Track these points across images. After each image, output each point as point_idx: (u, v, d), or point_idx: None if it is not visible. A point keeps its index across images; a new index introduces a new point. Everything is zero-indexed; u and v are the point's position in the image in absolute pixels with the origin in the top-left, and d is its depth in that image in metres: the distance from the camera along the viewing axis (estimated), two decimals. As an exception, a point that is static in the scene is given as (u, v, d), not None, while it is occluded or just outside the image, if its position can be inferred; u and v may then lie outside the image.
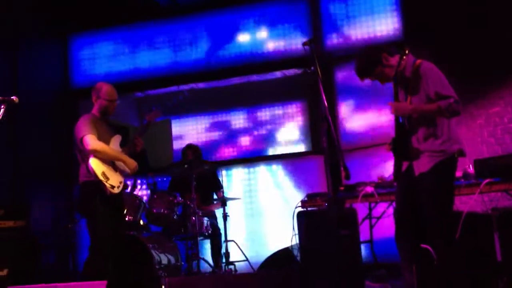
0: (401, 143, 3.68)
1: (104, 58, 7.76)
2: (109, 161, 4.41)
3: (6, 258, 5.32)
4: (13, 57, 6.85)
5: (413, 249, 3.70)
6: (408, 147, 3.65)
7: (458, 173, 4.65)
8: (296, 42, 6.93)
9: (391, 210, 4.96)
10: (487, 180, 4.40)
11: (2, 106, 3.50)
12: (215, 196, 6.37)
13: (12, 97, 3.54)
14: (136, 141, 4.65)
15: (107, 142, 4.47)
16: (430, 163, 3.57)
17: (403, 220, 3.74)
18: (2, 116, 3.47)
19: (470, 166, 4.64)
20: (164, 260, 5.21)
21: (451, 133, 3.61)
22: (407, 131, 3.68)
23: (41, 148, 6.78)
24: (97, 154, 4.30)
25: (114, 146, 4.54)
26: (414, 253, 3.70)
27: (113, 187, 4.33)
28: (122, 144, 4.62)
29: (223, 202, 6.01)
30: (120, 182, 4.43)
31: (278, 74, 7.16)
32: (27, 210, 5.83)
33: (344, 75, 6.79)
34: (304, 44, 3.83)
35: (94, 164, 4.28)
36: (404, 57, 3.66)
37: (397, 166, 3.73)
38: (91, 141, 4.28)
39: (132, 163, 4.54)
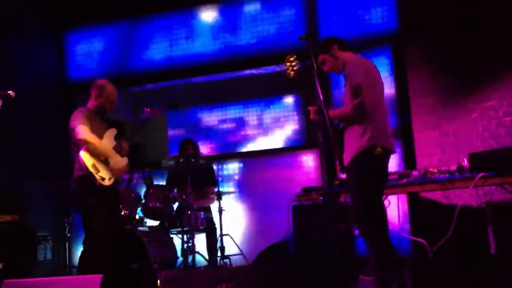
0: (334, 142, 3.74)
1: (99, 53, 7.75)
2: (100, 154, 4.40)
3: (2, 252, 5.32)
4: (9, 52, 6.82)
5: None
6: (340, 144, 3.77)
7: (452, 167, 4.69)
8: (292, 35, 6.94)
9: (386, 203, 4.98)
10: (481, 174, 4.43)
11: (-1, 101, 3.50)
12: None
13: (8, 92, 3.54)
14: (123, 145, 4.63)
15: (100, 136, 4.47)
16: (349, 157, 3.71)
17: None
18: (-1, 111, 3.48)
19: (465, 159, 4.66)
20: (160, 254, 5.22)
21: (372, 128, 3.70)
22: (339, 129, 3.82)
23: (37, 142, 6.78)
24: (87, 144, 4.30)
25: (108, 141, 4.53)
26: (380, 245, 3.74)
27: (103, 179, 4.32)
28: (116, 138, 4.61)
29: (218, 196, 6.02)
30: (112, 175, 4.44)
31: (274, 68, 7.15)
32: (23, 204, 5.84)
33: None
34: (300, 38, 3.84)
35: (85, 156, 4.28)
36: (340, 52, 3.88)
37: (340, 163, 3.80)
38: (82, 131, 4.28)
39: (122, 163, 4.51)
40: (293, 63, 3.95)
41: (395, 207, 5.38)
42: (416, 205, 5.80)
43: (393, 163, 6.06)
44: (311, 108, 3.90)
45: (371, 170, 3.69)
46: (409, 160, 6.03)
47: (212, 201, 6.27)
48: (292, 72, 3.95)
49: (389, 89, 6.20)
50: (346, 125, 3.81)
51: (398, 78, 6.21)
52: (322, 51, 3.97)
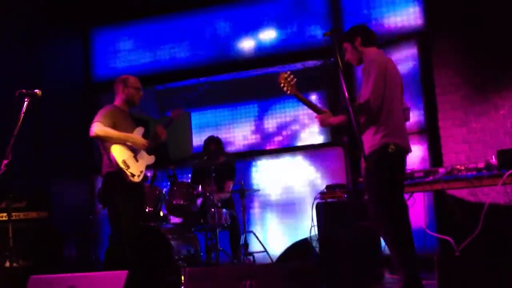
0: (359, 140, 3.71)
1: (125, 52, 7.81)
2: (130, 150, 4.44)
3: (29, 248, 5.40)
4: (36, 51, 6.91)
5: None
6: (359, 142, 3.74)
7: (480, 164, 4.61)
8: (316, 33, 6.91)
9: (411, 201, 4.93)
10: (510, 171, 4.34)
11: (26, 99, 3.56)
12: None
13: (35, 90, 3.60)
14: (158, 131, 4.68)
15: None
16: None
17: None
18: (26, 109, 3.53)
19: (493, 157, 4.58)
20: (184, 251, 5.25)
21: (386, 126, 3.69)
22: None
23: (63, 140, 6.86)
24: (100, 139, 4.35)
25: None
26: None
27: (133, 175, 4.36)
28: (144, 136, 4.65)
29: (241, 193, 6.02)
30: (141, 172, 4.47)
31: (298, 65, 7.12)
32: (49, 201, 5.92)
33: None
34: (325, 34, 3.81)
35: (115, 152, 4.32)
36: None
37: (365, 160, 3.77)
38: (94, 128, 4.32)
39: (141, 140, 4.55)
40: (289, 79, 3.99)
41: (421, 205, 5.31)
42: (442, 203, 5.72)
43: (419, 160, 5.99)
44: (317, 117, 3.95)
45: (385, 168, 3.68)
46: (435, 157, 5.94)
47: (227, 194, 6.24)
48: (289, 88, 3.99)
49: (415, 85, 6.13)
50: (362, 124, 3.78)
51: (425, 74, 6.13)
52: (346, 39, 3.98)
